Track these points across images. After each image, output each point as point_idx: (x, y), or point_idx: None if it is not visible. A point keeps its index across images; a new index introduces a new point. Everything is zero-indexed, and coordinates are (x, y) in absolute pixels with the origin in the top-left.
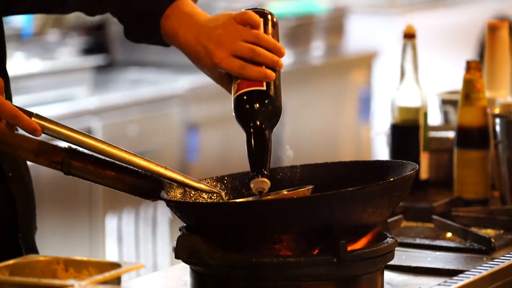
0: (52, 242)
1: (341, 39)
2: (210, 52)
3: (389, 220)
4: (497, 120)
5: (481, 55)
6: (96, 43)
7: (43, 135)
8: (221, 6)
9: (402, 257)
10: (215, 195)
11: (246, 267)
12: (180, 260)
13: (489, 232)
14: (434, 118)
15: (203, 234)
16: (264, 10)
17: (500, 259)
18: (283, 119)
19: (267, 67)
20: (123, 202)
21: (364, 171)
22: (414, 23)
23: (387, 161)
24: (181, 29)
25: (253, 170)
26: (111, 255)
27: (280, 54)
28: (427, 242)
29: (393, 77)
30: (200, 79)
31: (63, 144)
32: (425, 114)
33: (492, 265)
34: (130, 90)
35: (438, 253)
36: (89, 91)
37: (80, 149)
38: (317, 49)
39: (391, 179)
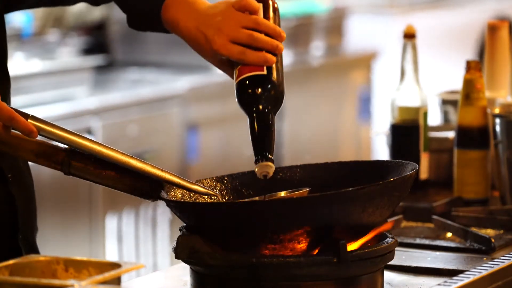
0: (52, 242)
1: (341, 39)
2: (209, 39)
3: (389, 220)
4: (497, 120)
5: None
6: (96, 43)
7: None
8: None
9: (402, 257)
10: (217, 191)
11: (246, 267)
12: (180, 260)
13: (489, 232)
14: (434, 118)
15: (203, 234)
16: None
17: (500, 259)
18: (283, 119)
19: (268, 52)
20: (123, 202)
21: (364, 171)
22: (414, 23)
23: (387, 161)
24: (181, 17)
25: (256, 154)
26: (111, 255)
27: (280, 38)
28: (427, 242)
29: (393, 77)
30: (200, 79)
31: (63, 144)
32: (425, 114)
33: (492, 265)
34: (130, 90)
35: (438, 253)
36: (89, 91)
37: None
38: (317, 49)
39: (391, 179)
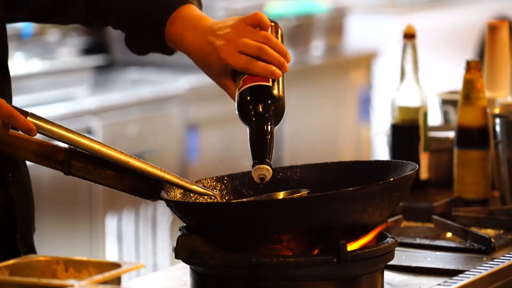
0: (52, 242)
1: (341, 39)
2: (217, 48)
3: (389, 220)
4: (497, 120)
5: (481, 55)
6: (96, 43)
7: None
8: (221, 6)
9: (402, 257)
10: (217, 191)
11: (246, 267)
12: (180, 260)
13: (489, 232)
14: (434, 118)
15: (203, 234)
16: (272, 19)
17: (500, 259)
18: (283, 119)
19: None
20: (123, 202)
21: (364, 171)
22: (414, 23)
23: (387, 161)
24: (187, 31)
25: (254, 158)
26: (111, 255)
27: (286, 59)
28: (427, 242)
29: (393, 77)
30: (200, 79)
31: (63, 144)
32: (425, 114)
33: (492, 265)
34: (130, 90)
35: (438, 253)
36: (89, 91)
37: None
38: (317, 49)
39: (391, 179)
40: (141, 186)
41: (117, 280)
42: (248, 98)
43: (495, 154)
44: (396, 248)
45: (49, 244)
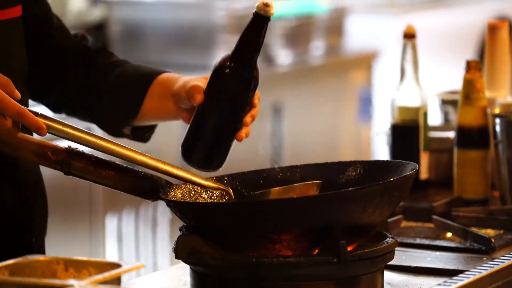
0: (52, 242)
1: (341, 39)
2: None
3: (389, 220)
4: (497, 120)
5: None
6: (96, 43)
7: (42, 136)
8: (221, 6)
9: (402, 257)
10: (216, 195)
11: (246, 267)
12: (180, 260)
13: (489, 232)
14: (434, 118)
15: (203, 234)
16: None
17: (500, 259)
18: (283, 119)
19: None
20: (123, 202)
21: (364, 171)
22: (414, 23)
23: (387, 161)
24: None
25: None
26: (111, 255)
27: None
28: (427, 242)
29: (393, 77)
30: None
31: (63, 144)
32: (425, 114)
33: (492, 265)
34: None
35: (438, 253)
36: None
37: (81, 149)
38: (317, 49)
39: (391, 179)
40: (141, 186)
41: (117, 280)
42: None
43: (495, 154)
44: (396, 248)
45: (49, 244)
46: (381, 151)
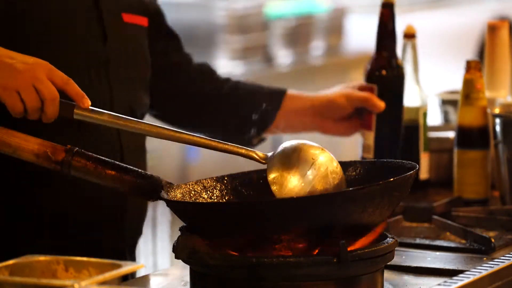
0: None
1: (341, 39)
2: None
3: (389, 220)
4: (497, 120)
5: (481, 55)
6: None
7: (42, 139)
8: (221, 6)
9: (402, 257)
10: (216, 195)
11: (246, 267)
12: (180, 260)
13: (489, 232)
14: (434, 118)
15: (203, 234)
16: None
17: (500, 259)
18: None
19: None
20: None
21: (364, 171)
22: (414, 23)
23: (387, 161)
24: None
25: None
26: None
27: None
28: (427, 242)
29: None
30: None
31: (63, 144)
32: (425, 114)
33: (492, 265)
34: None
35: (438, 253)
36: None
37: (81, 149)
38: (317, 49)
39: (391, 179)
40: (141, 186)
41: (117, 280)
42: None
43: (495, 154)
44: (396, 248)
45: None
46: None
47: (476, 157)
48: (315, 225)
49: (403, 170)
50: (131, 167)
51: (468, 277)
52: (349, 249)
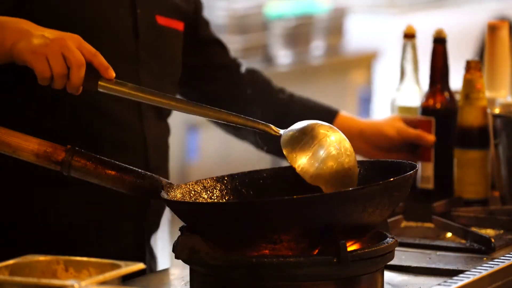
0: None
1: (341, 39)
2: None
3: (389, 220)
4: (497, 120)
5: (481, 55)
6: None
7: (41, 139)
8: (221, 6)
9: (402, 257)
10: (216, 195)
11: (246, 267)
12: (180, 260)
13: (489, 232)
14: None
15: (203, 234)
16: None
17: (500, 259)
18: None
19: None
20: None
21: (364, 171)
22: (414, 23)
23: (387, 161)
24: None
25: None
26: None
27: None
28: (427, 242)
29: (393, 77)
30: None
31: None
32: None
33: (492, 265)
34: None
35: (438, 253)
36: None
37: (81, 149)
38: (317, 49)
39: (391, 179)
40: (141, 186)
41: (117, 280)
42: None
43: (495, 154)
44: (396, 248)
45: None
46: None
47: (476, 157)
48: (315, 225)
49: (403, 170)
50: (131, 167)
51: (468, 277)
52: (349, 249)
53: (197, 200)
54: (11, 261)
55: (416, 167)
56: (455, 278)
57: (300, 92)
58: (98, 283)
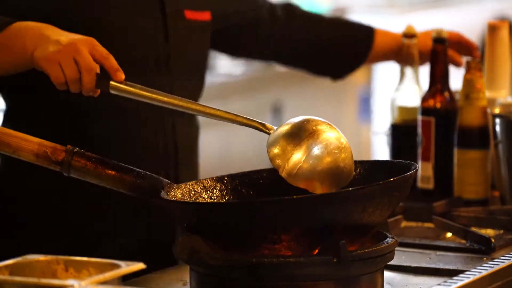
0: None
1: None
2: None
3: (389, 220)
4: (497, 120)
5: (481, 55)
6: None
7: (40, 139)
8: None
9: (402, 257)
10: (216, 195)
11: (246, 267)
12: (180, 260)
13: (489, 232)
14: None
15: (203, 234)
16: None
17: (500, 259)
18: (283, 118)
19: None
20: None
21: (364, 171)
22: (414, 23)
23: (387, 161)
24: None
25: None
26: None
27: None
28: (427, 242)
29: (393, 77)
30: None
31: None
32: None
33: (492, 265)
34: None
35: (438, 253)
36: None
37: (81, 149)
38: None
39: (391, 179)
40: (141, 186)
41: (117, 280)
42: None
43: (495, 154)
44: (396, 248)
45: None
46: (381, 151)
47: (476, 157)
48: (315, 225)
49: (403, 170)
50: (131, 167)
51: (468, 277)
52: (349, 249)
53: (197, 200)
54: (11, 261)
55: (416, 167)
56: (455, 278)
57: (300, 92)
58: (98, 283)
